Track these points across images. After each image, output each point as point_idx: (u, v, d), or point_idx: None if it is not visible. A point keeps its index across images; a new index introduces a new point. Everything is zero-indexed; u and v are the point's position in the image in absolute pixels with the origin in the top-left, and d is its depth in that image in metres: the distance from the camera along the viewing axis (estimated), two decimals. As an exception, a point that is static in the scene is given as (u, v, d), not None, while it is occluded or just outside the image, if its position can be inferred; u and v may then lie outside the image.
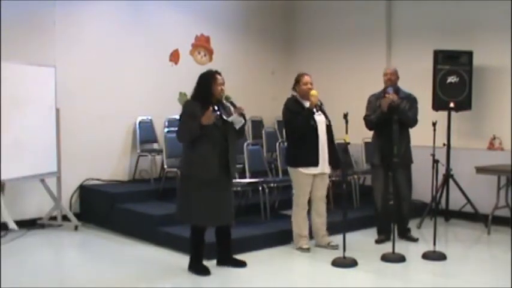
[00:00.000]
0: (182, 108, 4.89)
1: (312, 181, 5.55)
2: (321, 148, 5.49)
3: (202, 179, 4.71)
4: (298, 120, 5.45)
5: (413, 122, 5.89)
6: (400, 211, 5.90)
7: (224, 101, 4.89)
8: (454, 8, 7.35)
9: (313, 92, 5.44)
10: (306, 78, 5.55)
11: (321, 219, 5.71)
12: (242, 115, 4.83)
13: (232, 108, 4.88)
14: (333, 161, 5.64)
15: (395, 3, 8.03)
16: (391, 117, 5.54)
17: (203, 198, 4.74)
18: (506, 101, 6.91)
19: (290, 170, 5.67)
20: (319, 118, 5.50)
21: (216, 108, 4.81)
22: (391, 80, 5.86)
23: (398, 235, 5.92)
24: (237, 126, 4.83)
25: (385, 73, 5.94)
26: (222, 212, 4.87)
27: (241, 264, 5.06)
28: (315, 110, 5.45)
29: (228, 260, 5.08)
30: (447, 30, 7.39)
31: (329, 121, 5.59)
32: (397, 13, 8.01)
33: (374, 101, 5.91)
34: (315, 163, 5.48)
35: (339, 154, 5.71)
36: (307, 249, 5.58)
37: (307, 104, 5.47)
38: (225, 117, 4.82)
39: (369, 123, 5.91)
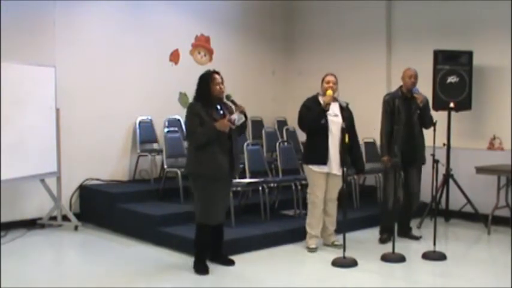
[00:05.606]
0: (187, 111, 4.90)
1: (325, 180, 5.56)
2: (331, 149, 5.47)
3: (211, 178, 4.77)
4: (308, 115, 5.50)
5: (432, 121, 5.89)
6: (409, 208, 6.01)
7: (225, 100, 4.95)
8: (454, 8, 7.34)
9: (328, 91, 5.48)
10: (328, 77, 5.60)
11: (329, 219, 5.74)
12: (243, 113, 4.88)
13: (233, 107, 4.94)
14: (356, 165, 5.70)
15: (395, 3, 8.02)
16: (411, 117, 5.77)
17: (209, 197, 4.80)
18: (506, 101, 6.91)
19: (304, 167, 5.70)
20: (335, 119, 5.49)
21: (218, 107, 4.90)
22: (415, 83, 5.90)
23: (399, 234, 5.93)
24: (238, 123, 4.88)
25: (410, 75, 5.89)
26: (222, 210, 4.97)
27: (230, 262, 5.09)
28: (334, 110, 5.48)
29: (218, 257, 5.10)
30: (447, 30, 7.39)
31: (350, 123, 5.58)
32: (397, 13, 8.00)
33: (391, 101, 5.89)
34: (323, 162, 5.48)
35: (363, 158, 5.83)
36: (314, 249, 5.60)
37: None
38: (231, 118, 4.83)
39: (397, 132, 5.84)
